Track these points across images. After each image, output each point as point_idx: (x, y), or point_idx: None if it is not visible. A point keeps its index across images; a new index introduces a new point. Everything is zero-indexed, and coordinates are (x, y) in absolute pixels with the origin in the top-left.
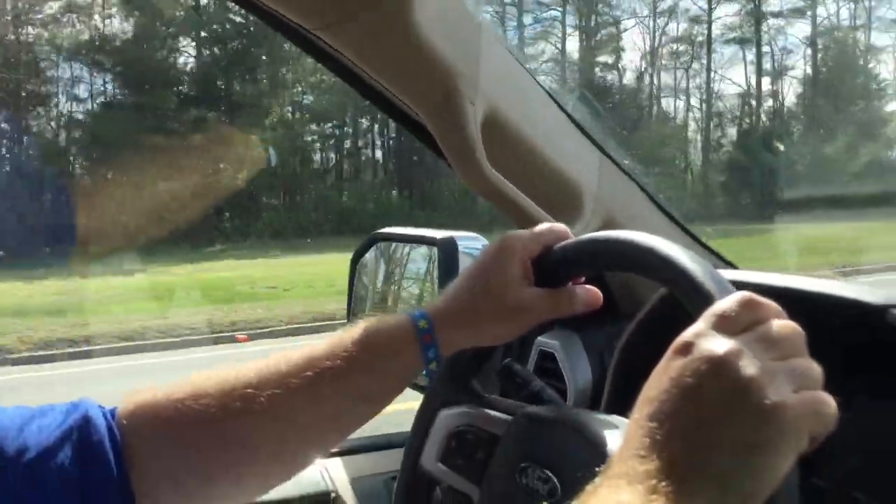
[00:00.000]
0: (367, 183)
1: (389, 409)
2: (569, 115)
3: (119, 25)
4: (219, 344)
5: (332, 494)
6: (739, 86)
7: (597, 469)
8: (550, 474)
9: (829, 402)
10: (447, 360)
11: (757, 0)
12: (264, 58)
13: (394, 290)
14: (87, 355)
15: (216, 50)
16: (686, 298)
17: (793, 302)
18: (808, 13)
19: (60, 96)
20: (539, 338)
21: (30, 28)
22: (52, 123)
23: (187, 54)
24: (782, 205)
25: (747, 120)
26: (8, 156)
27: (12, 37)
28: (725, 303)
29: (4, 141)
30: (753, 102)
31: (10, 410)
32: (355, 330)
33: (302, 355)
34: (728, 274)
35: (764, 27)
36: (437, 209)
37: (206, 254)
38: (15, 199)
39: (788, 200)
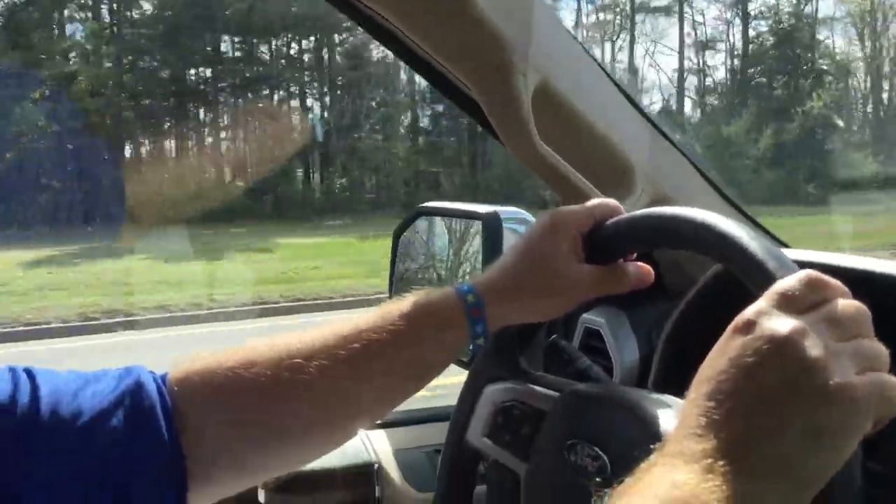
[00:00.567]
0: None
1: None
2: (620, 89)
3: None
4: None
5: (376, 465)
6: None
7: (649, 448)
8: (599, 451)
9: (895, 384)
10: (494, 335)
11: None
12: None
13: (436, 264)
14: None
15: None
16: (746, 276)
17: (857, 282)
18: None
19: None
20: (585, 315)
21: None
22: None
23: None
24: (828, 186)
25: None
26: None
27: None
28: (789, 281)
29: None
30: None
31: (64, 375)
32: (403, 303)
33: (350, 327)
34: (789, 253)
35: None
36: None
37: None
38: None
39: (839, 181)
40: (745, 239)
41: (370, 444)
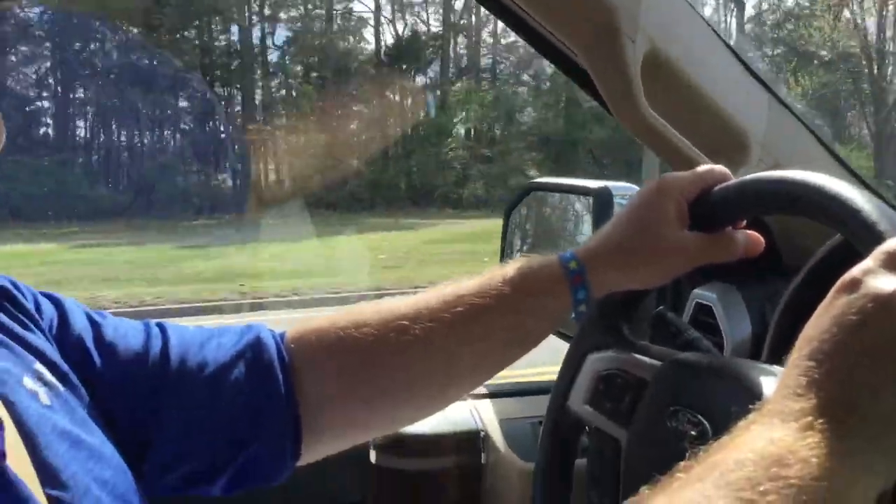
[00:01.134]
0: None
1: None
2: (735, 54)
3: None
4: None
5: (482, 433)
6: None
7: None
8: (701, 418)
9: None
10: (597, 302)
11: None
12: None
13: (547, 239)
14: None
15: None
16: (856, 237)
17: None
18: None
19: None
20: (696, 290)
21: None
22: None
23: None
24: None
25: None
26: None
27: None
28: None
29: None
30: None
31: (192, 329)
32: (507, 269)
33: (454, 291)
34: None
35: None
36: None
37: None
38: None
39: None
40: (857, 198)
41: (477, 413)
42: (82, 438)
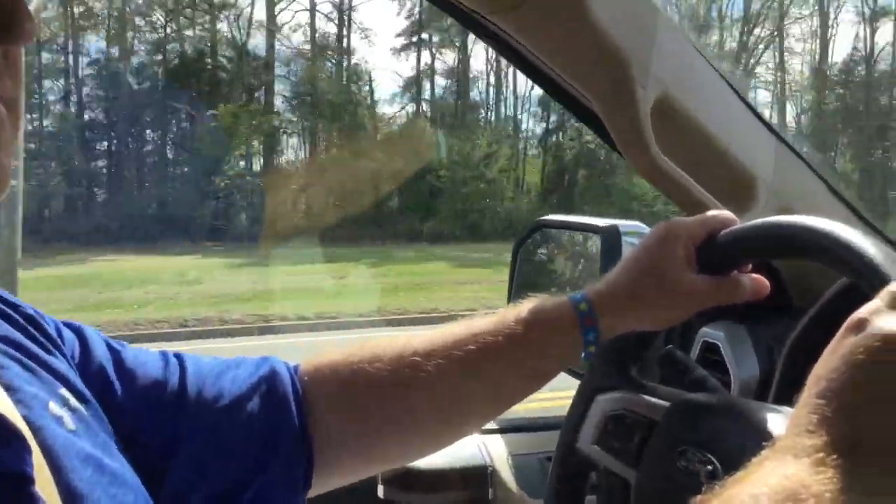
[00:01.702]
0: None
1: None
2: (744, 100)
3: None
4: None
5: (490, 468)
6: None
7: (761, 451)
8: (711, 457)
9: None
10: (606, 344)
11: None
12: None
13: (555, 277)
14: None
15: None
16: (861, 278)
17: None
18: None
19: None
20: (703, 328)
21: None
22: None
23: None
24: None
25: None
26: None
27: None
28: None
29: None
30: None
31: (208, 359)
32: (520, 308)
33: (466, 329)
34: None
35: None
36: None
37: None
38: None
39: None
40: (859, 241)
41: (485, 448)
42: (105, 463)
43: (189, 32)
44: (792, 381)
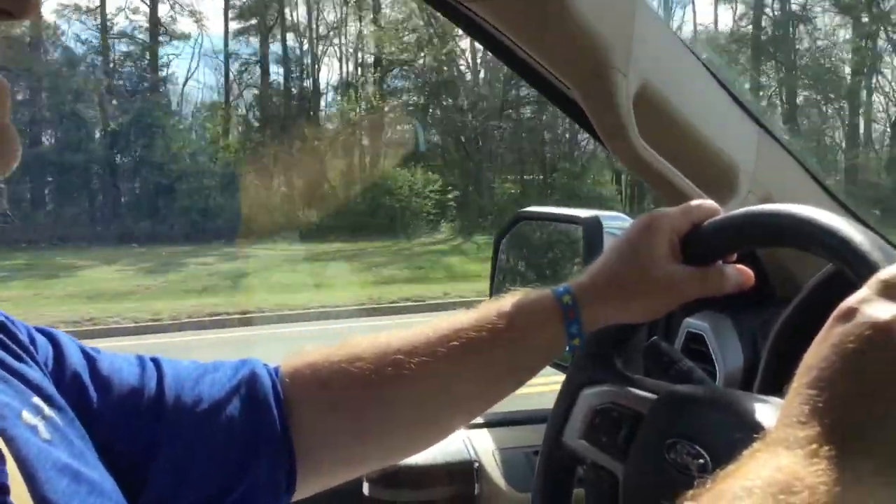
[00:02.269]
0: None
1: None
2: (726, 88)
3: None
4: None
5: (476, 464)
6: None
7: (751, 443)
8: (700, 449)
9: None
10: (590, 336)
11: None
12: None
13: (537, 269)
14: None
15: None
16: (850, 267)
17: None
18: None
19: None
20: (687, 319)
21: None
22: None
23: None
24: None
25: None
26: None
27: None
28: (892, 269)
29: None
30: None
31: (186, 363)
32: (501, 303)
33: (449, 325)
34: None
35: None
36: None
37: None
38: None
39: None
40: (848, 229)
41: (471, 444)
42: (82, 473)
43: None
44: (776, 370)
